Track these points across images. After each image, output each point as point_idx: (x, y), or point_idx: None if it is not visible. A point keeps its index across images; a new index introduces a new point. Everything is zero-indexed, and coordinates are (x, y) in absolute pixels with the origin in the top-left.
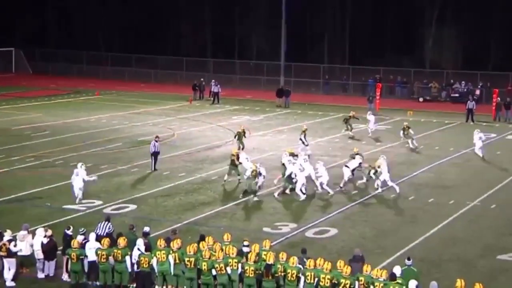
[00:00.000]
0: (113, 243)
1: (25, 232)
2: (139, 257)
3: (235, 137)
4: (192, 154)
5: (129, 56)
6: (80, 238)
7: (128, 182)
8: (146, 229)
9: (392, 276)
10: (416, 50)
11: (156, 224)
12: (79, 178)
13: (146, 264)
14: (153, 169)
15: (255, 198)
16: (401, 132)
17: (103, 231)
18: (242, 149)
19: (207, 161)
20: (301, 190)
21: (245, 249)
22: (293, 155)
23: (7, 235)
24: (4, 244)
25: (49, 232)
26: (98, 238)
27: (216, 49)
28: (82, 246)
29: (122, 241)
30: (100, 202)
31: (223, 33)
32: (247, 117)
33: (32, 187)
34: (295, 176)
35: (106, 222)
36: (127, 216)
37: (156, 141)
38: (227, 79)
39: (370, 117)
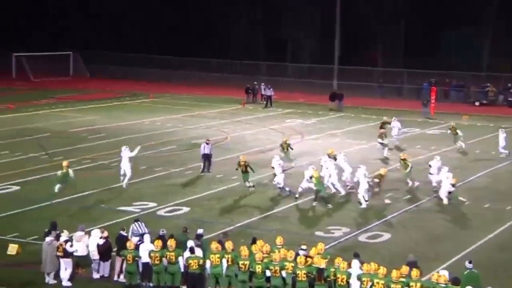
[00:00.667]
0: (165, 245)
1: (82, 233)
2: (187, 260)
3: (282, 150)
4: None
5: (181, 59)
6: (135, 239)
7: (181, 184)
8: (200, 231)
9: (455, 281)
10: (472, 53)
11: (209, 226)
12: (125, 160)
13: (195, 266)
14: (204, 171)
15: (314, 203)
16: (449, 131)
17: (142, 229)
18: (287, 161)
19: (260, 164)
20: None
21: (301, 253)
22: (331, 156)
23: (64, 236)
24: (61, 245)
25: (105, 233)
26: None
27: (268, 52)
28: (137, 247)
29: (172, 243)
30: (154, 204)
31: (275, 35)
32: (299, 120)
33: (88, 188)
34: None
35: (138, 223)
36: (180, 219)
37: (207, 144)
38: (279, 82)
39: (395, 123)
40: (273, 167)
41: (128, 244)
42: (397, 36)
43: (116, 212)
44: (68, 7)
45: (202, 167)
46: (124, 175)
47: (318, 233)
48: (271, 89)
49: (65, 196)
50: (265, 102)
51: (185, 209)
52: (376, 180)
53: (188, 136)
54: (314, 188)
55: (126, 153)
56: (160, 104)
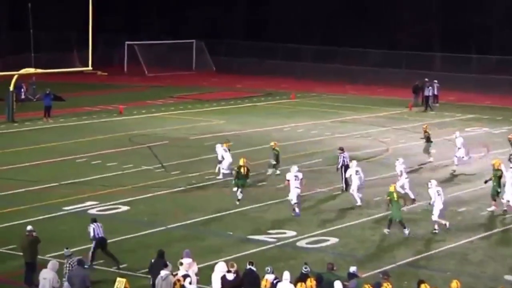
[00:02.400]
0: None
1: (189, 260)
2: None
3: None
4: (413, 175)
5: (333, 50)
6: (270, 277)
7: (329, 208)
8: (352, 269)
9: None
10: None
11: (363, 263)
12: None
13: None
14: (344, 189)
15: None
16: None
17: (101, 232)
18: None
19: (431, 184)
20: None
21: None
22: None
23: (182, 269)
24: (179, 280)
25: (235, 267)
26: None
27: (444, 42)
28: (273, 286)
29: (312, 283)
30: (293, 233)
31: (454, 22)
32: (485, 128)
33: (213, 210)
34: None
35: (96, 224)
36: (326, 252)
37: (342, 154)
38: (459, 79)
39: (459, 140)
40: (399, 173)
41: (263, 282)
42: None
43: (245, 241)
44: None
45: (343, 185)
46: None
47: (508, 277)
48: (436, 87)
49: (185, 220)
50: (424, 105)
51: (333, 240)
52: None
53: (338, 147)
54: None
55: (220, 151)
56: (303, 106)
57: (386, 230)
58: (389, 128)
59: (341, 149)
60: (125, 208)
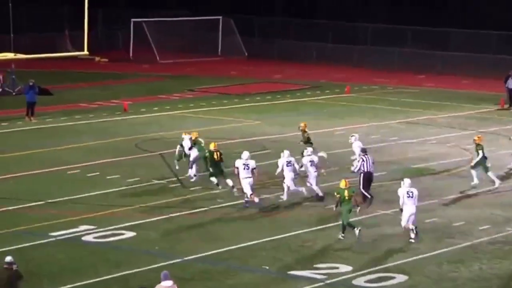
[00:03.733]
0: None
1: (170, 282)
2: None
3: None
4: (506, 194)
5: (400, 30)
6: None
7: (393, 237)
8: None
9: None
10: None
11: None
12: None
13: None
14: (369, 203)
15: None
16: None
17: None
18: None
19: (403, 183)
20: None
21: None
22: None
23: None
24: None
25: None
26: None
27: None
28: None
29: None
30: (348, 268)
31: None
32: None
33: (243, 237)
34: None
35: None
36: None
37: (364, 157)
38: None
39: None
40: None
41: None
42: None
43: (285, 278)
44: None
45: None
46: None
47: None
48: None
49: (207, 250)
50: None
51: (400, 278)
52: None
53: (407, 157)
54: None
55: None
56: (361, 102)
57: (340, 235)
58: (474, 132)
59: (364, 151)
60: (130, 234)
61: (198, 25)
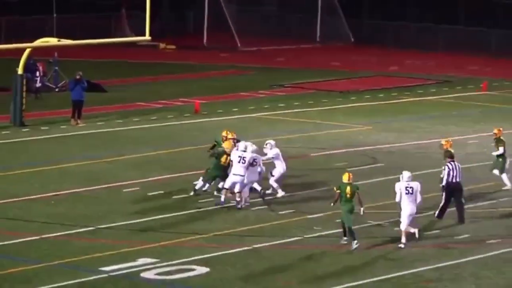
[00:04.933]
0: None
1: None
2: None
3: None
4: None
5: None
6: None
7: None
8: None
9: None
10: None
11: None
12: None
13: None
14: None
15: None
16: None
17: None
18: None
19: (402, 177)
20: None
21: None
22: None
23: None
24: None
25: None
26: None
27: None
28: None
29: None
30: None
31: None
32: None
33: (350, 276)
34: None
35: None
36: None
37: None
38: None
39: None
40: None
41: None
42: None
43: None
44: None
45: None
46: None
47: None
48: None
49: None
50: None
51: None
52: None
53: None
54: None
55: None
56: (502, 103)
57: (343, 240)
58: None
59: (451, 156)
60: (202, 269)
61: (289, 4)
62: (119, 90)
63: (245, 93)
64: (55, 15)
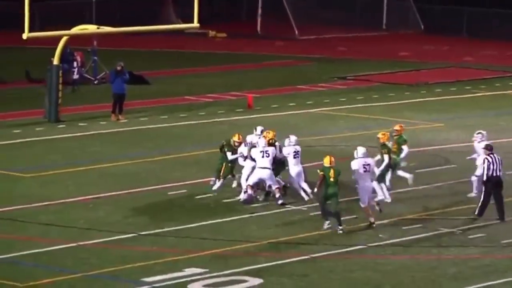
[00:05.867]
0: None
1: None
2: None
3: None
4: None
5: None
6: None
7: None
8: None
9: None
10: None
11: None
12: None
13: None
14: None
15: None
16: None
17: None
18: None
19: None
20: None
21: None
22: None
23: None
24: None
25: None
26: None
27: None
28: None
29: None
30: None
31: None
32: None
33: None
34: None
35: None
36: None
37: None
38: None
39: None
40: None
41: None
42: None
43: None
44: None
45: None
46: None
47: None
48: None
49: None
50: None
51: None
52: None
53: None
54: None
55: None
56: None
57: (326, 224)
58: None
59: (489, 149)
60: (254, 281)
61: None
62: (164, 82)
63: (303, 86)
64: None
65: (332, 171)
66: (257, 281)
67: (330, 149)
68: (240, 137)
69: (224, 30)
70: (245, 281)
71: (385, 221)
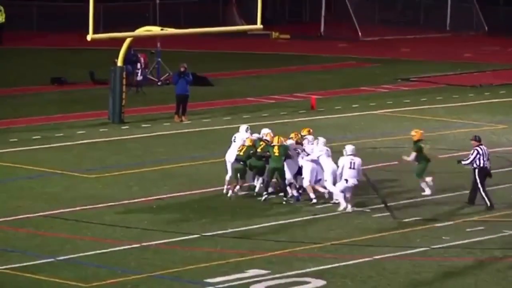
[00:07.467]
0: None
1: None
2: None
3: None
4: None
5: None
6: None
7: None
8: None
9: None
10: None
11: None
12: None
13: None
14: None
15: None
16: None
17: None
18: None
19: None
20: None
21: None
22: None
23: None
24: None
25: None
26: None
27: None
28: None
29: None
30: None
31: None
32: None
33: None
34: None
35: None
36: None
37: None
38: None
39: None
40: None
41: None
42: None
43: None
44: None
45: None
46: None
47: None
48: None
49: None
50: None
51: None
52: None
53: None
54: None
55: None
56: None
57: (264, 195)
58: None
59: (477, 140)
60: (318, 282)
61: None
62: (227, 83)
63: (366, 88)
64: (158, 1)
65: (276, 148)
66: (320, 282)
67: (393, 151)
68: (296, 134)
69: (287, 32)
70: (307, 282)
71: (449, 223)
